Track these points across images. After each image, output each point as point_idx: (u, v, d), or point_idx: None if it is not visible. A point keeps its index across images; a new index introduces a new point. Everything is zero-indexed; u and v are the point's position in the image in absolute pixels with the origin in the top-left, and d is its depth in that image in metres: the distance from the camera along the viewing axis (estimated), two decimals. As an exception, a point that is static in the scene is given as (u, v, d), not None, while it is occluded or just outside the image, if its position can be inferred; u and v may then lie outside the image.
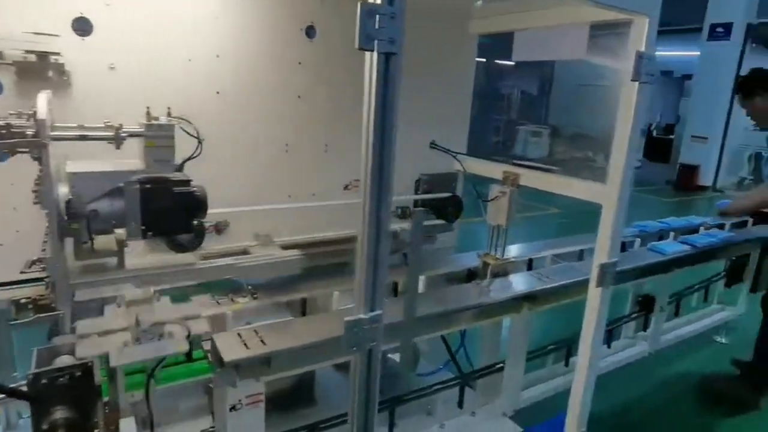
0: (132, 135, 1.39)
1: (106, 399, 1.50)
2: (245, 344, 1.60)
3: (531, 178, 2.26)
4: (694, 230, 3.55)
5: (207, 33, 1.86)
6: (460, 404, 2.46)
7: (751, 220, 3.78)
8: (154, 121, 1.42)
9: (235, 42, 1.93)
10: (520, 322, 2.44)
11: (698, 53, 12.27)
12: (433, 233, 2.55)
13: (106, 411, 1.50)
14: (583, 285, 2.26)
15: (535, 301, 2.32)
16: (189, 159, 1.67)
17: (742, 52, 11.46)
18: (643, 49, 1.73)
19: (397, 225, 2.43)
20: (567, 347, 2.85)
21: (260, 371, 1.62)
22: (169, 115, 1.49)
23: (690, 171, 11.86)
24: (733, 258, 3.88)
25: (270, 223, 2.14)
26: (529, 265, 2.65)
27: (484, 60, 14.87)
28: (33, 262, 1.48)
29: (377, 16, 1.12)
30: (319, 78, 2.11)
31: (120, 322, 1.46)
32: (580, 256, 2.89)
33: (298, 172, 2.18)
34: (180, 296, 1.89)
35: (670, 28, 14.60)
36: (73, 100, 1.68)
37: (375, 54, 1.15)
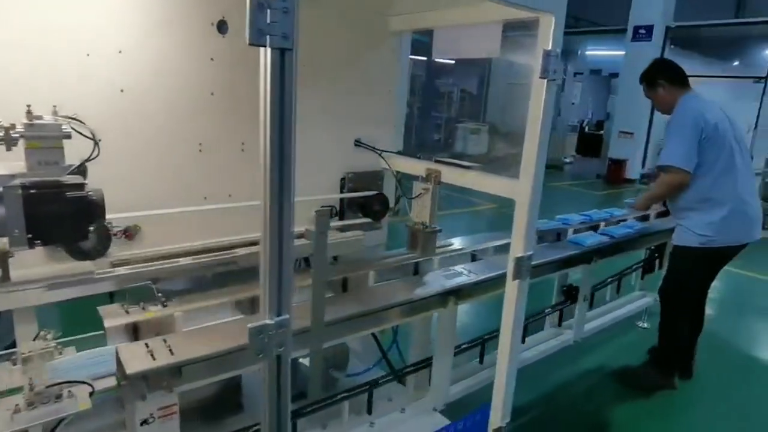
0: (23, 136, 1.29)
1: None
2: (152, 355, 1.52)
3: (452, 175, 2.29)
4: (615, 222, 3.73)
5: (107, 27, 1.75)
6: (390, 401, 2.46)
7: (653, 214, 4.01)
8: (36, 121, 1.31)
9: (140, 37, 1.83)
10: (447, 316, 2.47)
11: (623, 53, 12.95)
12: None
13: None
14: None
15: (461, 296, 2.35)
16: (87, 161, 1.57)
17: (662, 53, 12.21)
18: (549, 47, 1.78)
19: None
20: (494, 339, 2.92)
21: (171, 382, 1.55)
22: (55, 113, 1.39)
23: (618, 165, 12.49)
24: (651, 248, 4.12)
25: (185, 226, 2.06)
26: (456, 259, 2.69)
27: (424, 58, 15.09)
28: None
29: (268, 10, 1.09)
30: (234, 74, 2.05)
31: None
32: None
33: (214, 173, 2.10)
34: (88, 304, 1.79)
35: (599, 28, 15.37)
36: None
37: (268, 50, 1.11)
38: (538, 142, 1.86)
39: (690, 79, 3.11)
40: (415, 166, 2.48)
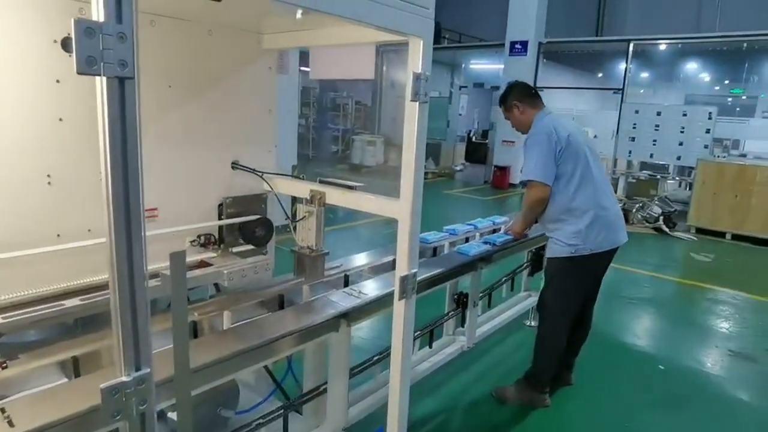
0: None
1: None
2: (-15, 429, 1.30)
3: (335, 196, 2.25)
4: (497, 229, 3.93)
5: None
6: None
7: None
8: None
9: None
10: (340, 340, 2.42)
11: (502, 66, 13.89)
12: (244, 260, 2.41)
13: None
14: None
15: (352, 318, 2.32)
16: None
17: (537, 66, 13.27)
18: (419, 69, 1.80)
19: (197, 256, 2.25)
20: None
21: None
22: None
23: (503, 171, 13.33)
24: (533, 250, 4.40)
25: (36, 268, 1.81)
26: (346, 280, 2.65)
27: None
28: None
29: (100, 36, 0.97)
30: (84, 97, 1.84)
31: None
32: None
33: (68, 206, 1.88)
34: None
35: (481, 44, 16.36)
36: None
37: (103, 79, 1.00)
38: (414, 163, 1.89)
39: (559, 89, 3.36)
40: (299, 188, 2.41)
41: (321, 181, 2.38)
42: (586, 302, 3.45)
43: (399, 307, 1.99)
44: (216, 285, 2.56)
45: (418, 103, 1.83)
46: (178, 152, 2.17)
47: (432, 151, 14.78)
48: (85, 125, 1.87)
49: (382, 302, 2.42)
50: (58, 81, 1.80)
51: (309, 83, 14.43)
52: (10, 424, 1.33)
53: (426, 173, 12.33)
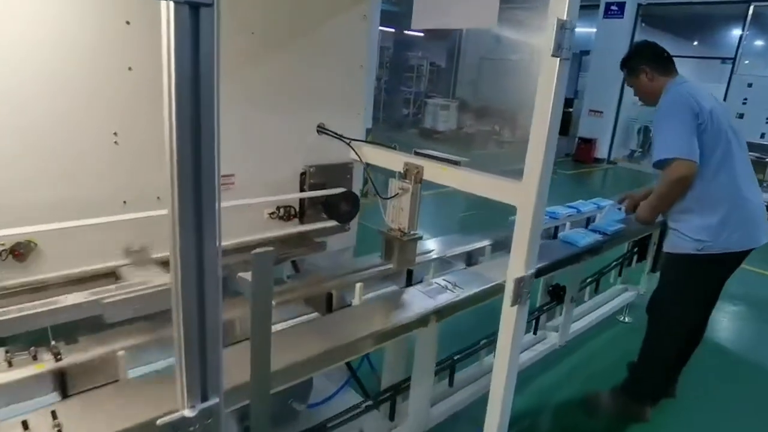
0: None
1: None
2: (30, 440, 1.09)
3: (435, 172, 1.89)
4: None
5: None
6: (362, 433, 2.11)
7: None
8: None
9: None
10: (427, 336, 2.11)
11: (595, 30, 12.69)
12: (322, 240, 2.13)
13: None
14: (497, 291, 1.99)
15: (443, 314, 1.99)
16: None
17: (634, 30, 12.00)
18: (565, 16, 1.38)
19: (276, 231, 1.98)
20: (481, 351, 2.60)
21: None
22: None
23: (587, 144, 12.35)
24: (636, 239, 3.87)
25: (99, 240, 1.61)
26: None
27: (392, 30, 14.49)
28: None
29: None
30: (157, 41, 1.57)
31: None
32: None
33: (134, 170, 1.64)
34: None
35: (570, 3, 15.04)
36: None
37: (170, 4, 0.68)
38: (547, 136, 1.48)
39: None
40: (391, 159, 2.06)
41: (417, 153, 2.02)
42: (706, 309, 2.92)
43: (509, 314, 1.63)
44: (293, 262, 2.30)
45: (559, 59, 1.41)
46: (257, 112, 1.88)
47: (509, 117, 13.99)
48: (158, 76, 1.61)
49: (479, 298, 2.07)
50: (128, 22, 1.53)
51: (383, 42, 13.93)
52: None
53: (501, 142, 11.67)
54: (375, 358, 2.33)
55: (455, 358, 2.48)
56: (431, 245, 2.46)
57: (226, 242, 1.84)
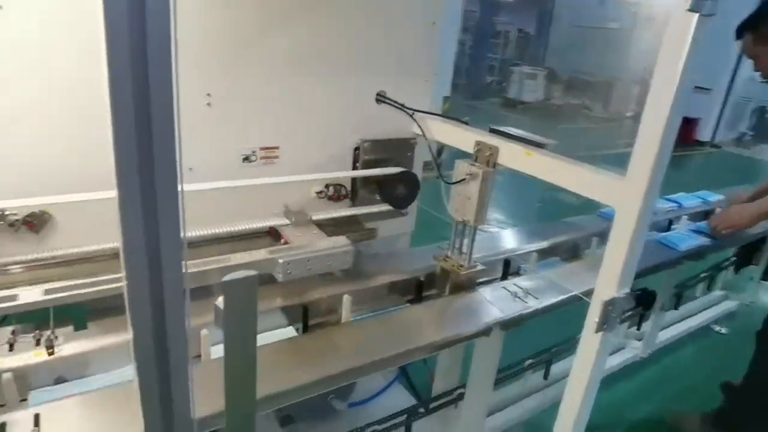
0: None
1: None
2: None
3: (514, 156, 1.56)
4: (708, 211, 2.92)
5: None
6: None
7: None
8: None
9: None
10: (490, 345, 1.83)
11: (712, -7, 11.22)
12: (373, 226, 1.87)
13: None
14: (572, 303, 1.66)
15: (510, 324, 1.69)
16: None
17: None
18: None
19: (323, 214, 1.75)
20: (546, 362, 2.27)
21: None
22: None
23: (689, 124, 11.09)
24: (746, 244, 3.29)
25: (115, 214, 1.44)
26: (505, 268, 1.99)
27: (481, -9, 13.66)
28: None
29: None
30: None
31: None
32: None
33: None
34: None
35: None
36: None
37: None
38: (667, 120, 1.12)
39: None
40: (460, 136, 1.75)
41: (493, 131, 1.69)
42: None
43: (592, 340, 1.31)
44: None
45: (698, 15, 1.04)
46: (306, 77, 1.62)
47: (602, 90, 12.86)
48: (192, 35, 1.39)
49: (554, 308, 1.75)
50: None
51: (469, 6, 13.17)
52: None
53: (592, 117, 10.77)
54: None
55: (519, 366, 2.18)
56: (504, 238, 2.13)
57: (266, 224, 1.64)
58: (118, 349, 1.25)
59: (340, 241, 1.52)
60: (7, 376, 1.08)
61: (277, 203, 1.70)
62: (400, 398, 2.11)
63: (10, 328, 1.23)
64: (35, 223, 1.31)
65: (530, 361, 2.20)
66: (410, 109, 1.81)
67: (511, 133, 1.64)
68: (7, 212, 1.27)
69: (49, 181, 1.30)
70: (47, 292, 1.12)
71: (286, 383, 1.22)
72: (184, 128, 1.39)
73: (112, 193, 1.30)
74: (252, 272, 0.62)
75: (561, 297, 1.72)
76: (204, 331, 1.29)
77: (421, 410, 1.87)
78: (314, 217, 1.73)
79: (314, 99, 1.67)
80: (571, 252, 2.25)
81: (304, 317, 1.59)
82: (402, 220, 1.98)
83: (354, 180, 1.83)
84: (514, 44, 14.58)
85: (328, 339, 1.43)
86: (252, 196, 1.60)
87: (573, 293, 1.71)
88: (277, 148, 1.65)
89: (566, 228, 2.33)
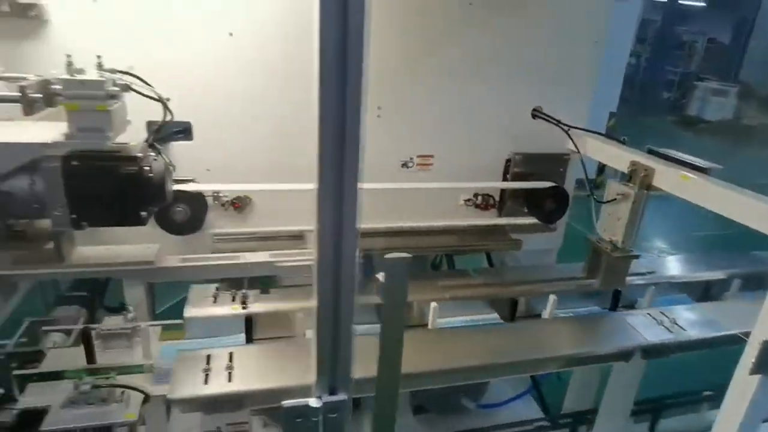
0: (53, 94, 1.01)
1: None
2: (206, 376, 1.23)
3: (670, 179, 1.50)
4: None
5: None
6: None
7: None
8: (78, 76, 1.02)
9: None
10: (629, 371, 1.77)
11: None
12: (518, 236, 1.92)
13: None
14: (730, 341, 1.54)
15: (652, 353, 1.62)
16: (163, 130, 1.27)
17: None
18: None
19: (469, 220, 1.86)
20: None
21: (227, 408, 1.26)
22: (100, 67, 1.08)
23: None
24: None
25: (306, 204, 1.71)
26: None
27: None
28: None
29: None
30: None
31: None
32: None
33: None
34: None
35: None
36: (51, 43, 1.36)
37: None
38: None
39: None
40: (616, 155, 1.72)
41: (651, 152, 1.64)
42: None
43: (744, 384, 1.22)
44: (488, 255, 2.17)
45: None
46: (464, 90, 1.75)
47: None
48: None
49: (703, 345, 1.63)
50: None
51: (650, 14, 12.13)
52: (229, 378, 1.23)
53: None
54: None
55: (661, 402, 2.05)
56: (649, 264, 2.01)
57: (415, 224, 1.80)
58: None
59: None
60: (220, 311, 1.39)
61: (428, 207, 1.85)
62: (529, 410, 2.12)
63: (213, 286, 1.55)
64: (240, 204, 1.64)
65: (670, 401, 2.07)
66: (566, 125, 1.83)
67: (672, 155, 1.58)
68: (221, 194, 1.60)
69: (252, 171, 1.61)
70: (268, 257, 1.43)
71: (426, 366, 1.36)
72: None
73: (299, 185, 1.57)
74: (407, 255, 0.76)
75: (715, 334, 1.60)
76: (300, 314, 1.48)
77: (548, 425, 1.87)
78: (461, 224, 1.85)
79: (471, 111, 1.78)
80: (703, 291, 2.00)
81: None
82: (549, 234, 2.00)
83: (503, 191, 1.91)
84: (700, 56, 13.06)
85: (468, 336, 1.54)
86: (407, 198, 1.78)
87: (730, 331, 1.58)
88: (431, 156, 1.80)
89: (706, 263, 2.08)
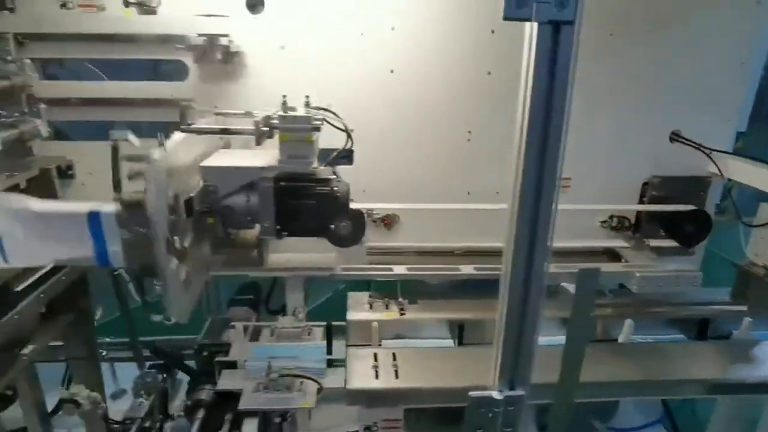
0: (271, 127, 1.26)
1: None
2: (376, 371, 1.39)
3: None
4: None
5: (382, 1, 1.62)
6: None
7: None
8: (290, 112, 1.26)
9: (415, 8, 1.65)
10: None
11: None
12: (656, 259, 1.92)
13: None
14: None
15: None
16: (347, 153, 1.48)
17: None
18: None
19: (605, 241, 1.90)
20: None
21: (391, 403, 1.41)
22: (307, 105, 1.31)
23: None
24: None
25: (444, 221, 1.86)
26: None
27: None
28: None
29: (539, -35, 0.71)
30: (516, 48, 1.69)
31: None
32: None
33: (482, 165, 1.82)
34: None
35: None
36: (247, 84, 1.66)
37: (533, 25, 0.74)
38: None
39: None
40: (765, 178, 1.68)
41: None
42: None
43: None
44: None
45: None
46: (601, 112, 1.81)
47: None
48: (511, 77, 1.73)
49: None
50: (492, 31, 1.70)
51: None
52: (396, 374, 1.38)
53: None
54: (703, 407, 2.00)
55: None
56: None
57: (558, 245, 1.87)
58: (436, 321, 1.65)
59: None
60: (374, 324, 1.56)
61: (564, 229, 1.91)
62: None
63: (367, 294, 1.74)
64: (390, 221, 1.82)
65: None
66: (707, 148, 1.83)
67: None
68: (374, 212, 1.80)
69: (400, 191, 1.79)
70: (410, 269, 1.59)
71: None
72: (495, 162, 1.76)
73: (457, 205, 1.73)
74: (597, 266, 0.86)
75: None
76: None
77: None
78: (596, 245, 1.89)
79: (608, 134, 1.83)
80: None
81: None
82: (686, 258, 1.97)
83: (639, 213, 1.92)
84: None
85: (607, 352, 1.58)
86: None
87: None
88: (570, 178, 1.87)
89: None
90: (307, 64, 1.65)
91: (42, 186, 1.57)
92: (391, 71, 1.69)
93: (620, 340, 1.66)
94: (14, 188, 1.44)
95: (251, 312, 1.92)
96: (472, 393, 0.96)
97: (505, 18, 0.73)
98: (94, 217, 1.07)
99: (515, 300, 0.91)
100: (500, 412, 0.96)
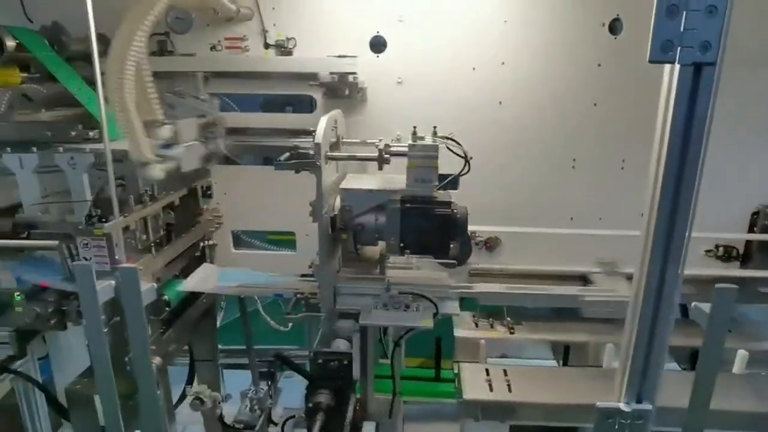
0: (396, 154, 1.41)
1: (358, 396, 1.61)
2: (490, 385, 1.47)
3: None
4: None
5: (493, 39, 1.75)
6: None
7: None
8: (419, 141, 1.39)
9: (523, 45, 1.76)
10: None
11: None
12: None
13: (356, 408, 1.61)
14: None
15: None
16: (455, 178, 1.60)
17: None
18: None
19: (711, 270, 1.88)
20: None
21: (502, 416, 1.48)
22: (435, 134, 1.44)
23: None
24: None
25: (546, 245, 1.92)
26: None
27: None
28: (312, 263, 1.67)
29: (684, 12, 0.80)
30: (622, 81, 1.75)
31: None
32: None
33: (585, 192, 1.88)
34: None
35: None
36: (366, 115, 1.83)
37: (676, 67, 0.83)
38: None
39: None
40: None
41: None
42: None
43: None
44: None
45: None
46: (712, 145, 1.81)
47: None
48: (615, 109, 1.79)
49: None
50: (599, 65, 1.77)
51: None
52: (509, 388, 1.45)
53: None
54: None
55: None
56: None
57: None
58: (540, 342, 1.70)
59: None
60: (482, 342, 1.64)
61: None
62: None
63: (471, 313, 1.82)
64: (492, 244, 1.91)
65: None
66: (824, 178, 1.78)
67: None
68: (476, 235, 1.89)
69: (504, 215, 1.88)
70: (509, 288, 1.66)
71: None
72: (598, 189, 1.82)
73: (551, 230, 1.79)
74: (734, 286, 0.91)
75: None
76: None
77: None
78: (701, 274, 1.88)
79: (716, 162, 1.82)
80: None
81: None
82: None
83: (748, 243, 1.89)
84: None
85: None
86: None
87: None
88: (674, 205, 1.88)
89: None
90: (421, 96, 1.80)
91: (188, 203, 1.81)
92: (500, 102, 1.81)
93: (734, 371, 1.63)
94: (169, 205, 1.69)
95: (356, 324, 2.06)
96: (599, 404, 1.02)
97: (651, 61, 0.81)
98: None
99: (646, 318, 0.97)
100: (627, 424, 1.01)
